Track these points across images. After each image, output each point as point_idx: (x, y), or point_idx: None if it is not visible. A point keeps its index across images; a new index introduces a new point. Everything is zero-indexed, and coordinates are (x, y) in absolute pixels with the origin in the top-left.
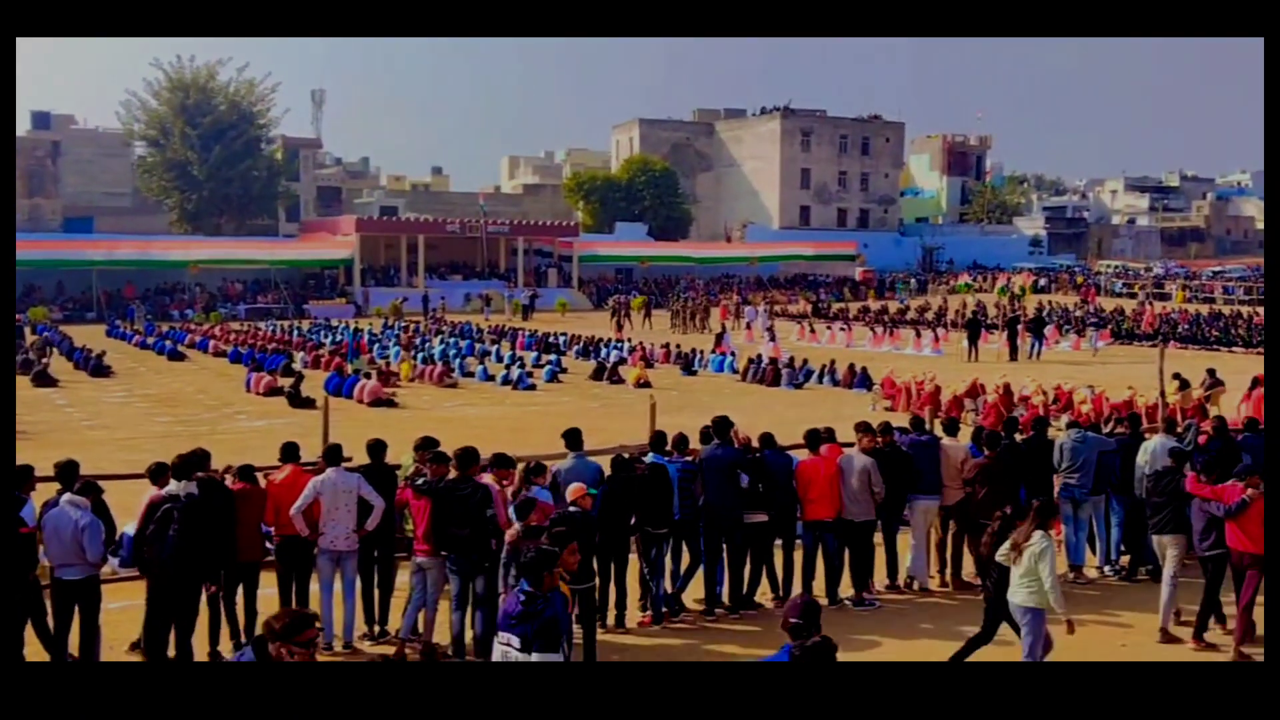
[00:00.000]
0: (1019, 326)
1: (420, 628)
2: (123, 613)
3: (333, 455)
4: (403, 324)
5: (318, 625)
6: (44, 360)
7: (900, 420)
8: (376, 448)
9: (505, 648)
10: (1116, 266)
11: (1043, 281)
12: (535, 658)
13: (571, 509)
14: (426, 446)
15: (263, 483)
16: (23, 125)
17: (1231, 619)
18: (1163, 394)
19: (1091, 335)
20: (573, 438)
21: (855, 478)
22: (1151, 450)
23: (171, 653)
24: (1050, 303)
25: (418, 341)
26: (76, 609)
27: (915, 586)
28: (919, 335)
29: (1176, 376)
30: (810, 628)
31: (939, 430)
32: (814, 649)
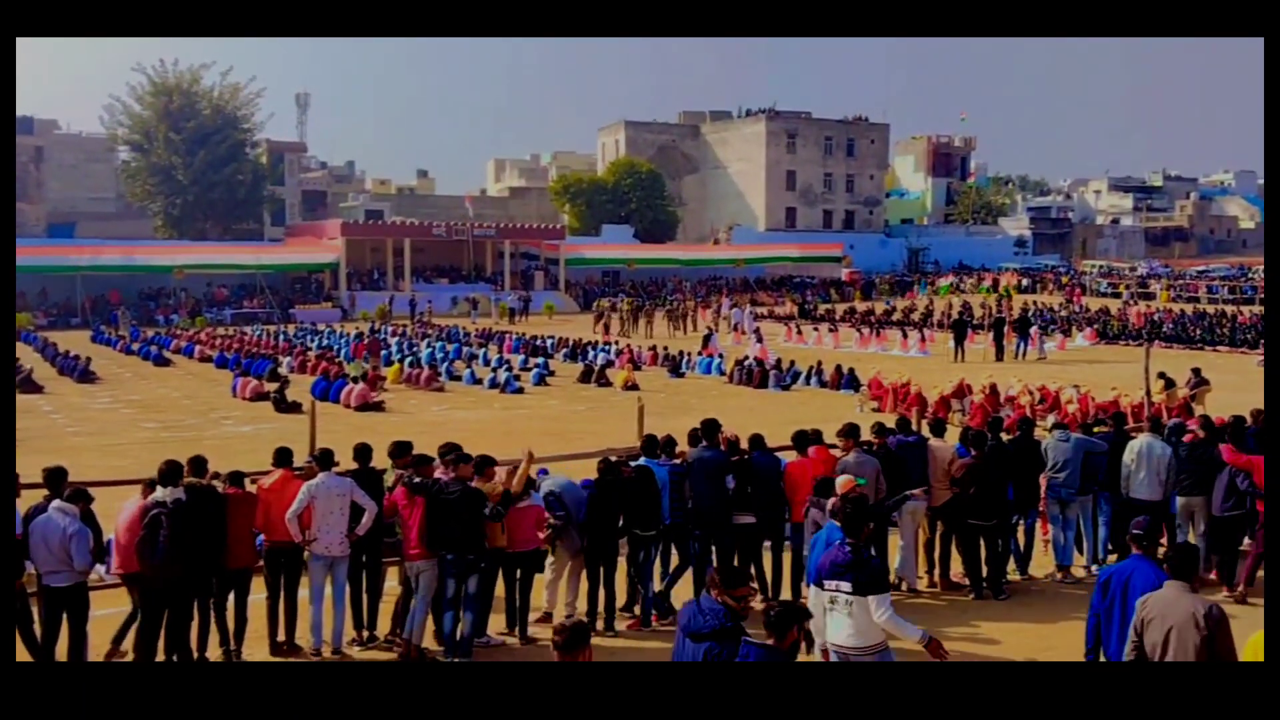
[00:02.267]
0: (1005, 327)
1: (412, 630)
2: (110, 620)
3: (324, 460)
4: (375, 327)
5: (753, 586)
6: (26, 368)
7: (888, 421)
8: (363, 452)
9: (834, 592)
10: (1101, 266)
11: (1027, 282)
12: (871, 600)
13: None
14: (401, 452)
15: (251, 488)
16: None
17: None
18: (1148, 393)
19: (1039, 338)
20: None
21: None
22: (1138, 450)
23: (161, 657)
24: (1036, 303)
25: (401, 344)
26: (64, 616)
27: (904, 587)
28: (905, 336)
29: (1162, 376)
30: (1152, 542)
31: (926, 431)
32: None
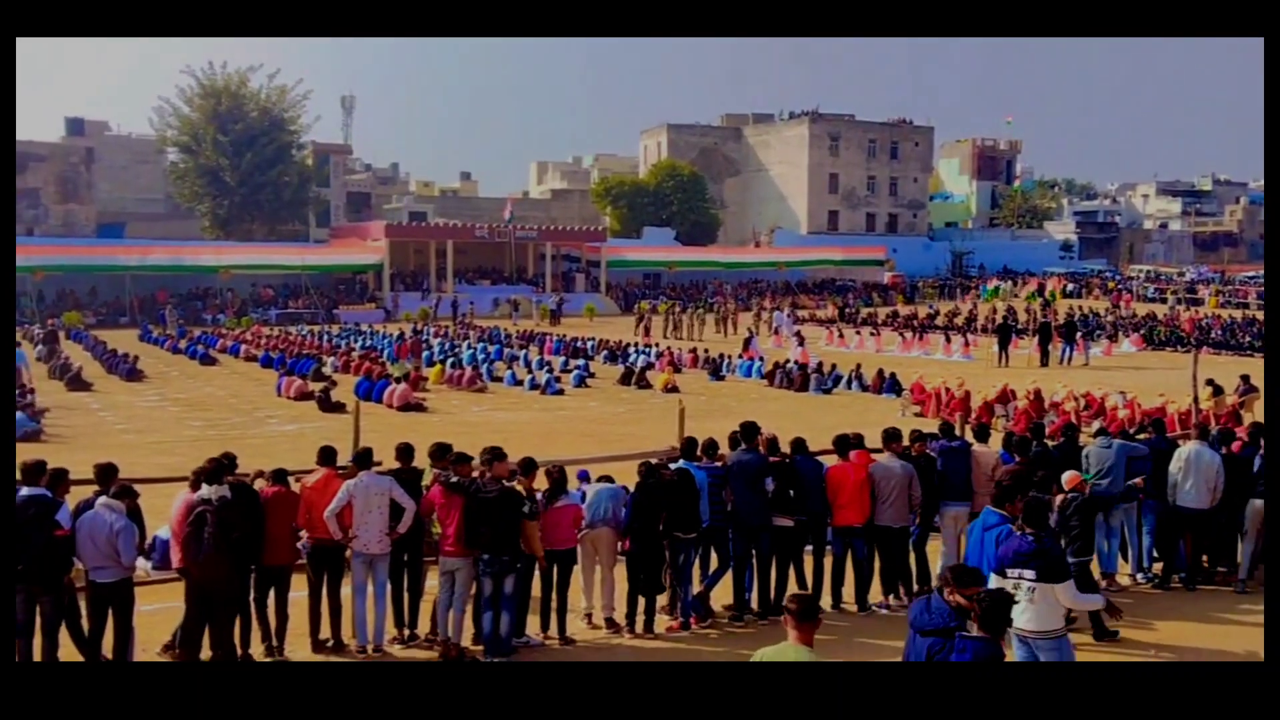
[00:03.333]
0: (1050, 332)
1: (449, 629)
2: (156, 615)
3: (363, 459)
4: (417, 328)
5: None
6: (75, 366)
7: (930, 426)
8: (404, 452)
9: (1016, 580)
10: (1148, 271)
11: (1073, 286)
12: (1058, 589)
13: (1071, 494)
14: (441, 454)
15: (295, 487)
16: (56, 131)
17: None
18: (1196, 400)
19: (1085, 344)
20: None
21: (894, 484)
22: (1186, 457)
23: (207, 654)
24: (1081, 308)
25: (443, 345)
26: (110, 611)
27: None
28: (949, 340)
29: (1210, 383)
30: None
31: (969, 436)
32: None
